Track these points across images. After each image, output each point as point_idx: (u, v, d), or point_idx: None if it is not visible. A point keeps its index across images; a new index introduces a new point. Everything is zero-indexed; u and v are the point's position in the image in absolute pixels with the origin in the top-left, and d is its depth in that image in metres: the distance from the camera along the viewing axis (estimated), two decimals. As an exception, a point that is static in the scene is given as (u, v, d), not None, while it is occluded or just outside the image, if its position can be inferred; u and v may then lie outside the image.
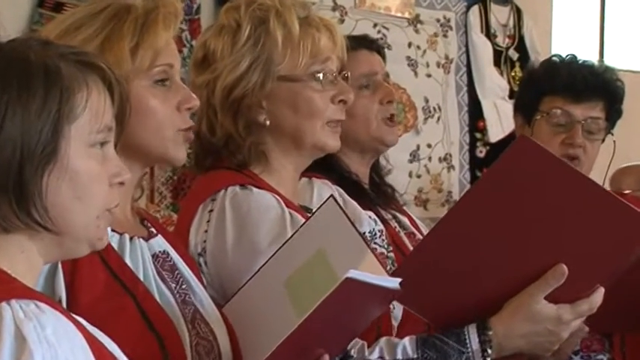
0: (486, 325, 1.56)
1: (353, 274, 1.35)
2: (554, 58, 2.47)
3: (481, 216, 1.49)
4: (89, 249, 1.26)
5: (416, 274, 1.51)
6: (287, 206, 1.76)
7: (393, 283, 1.45)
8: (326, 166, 2.09)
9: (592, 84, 2.37)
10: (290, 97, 1.79)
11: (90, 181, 1.22)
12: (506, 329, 1.55)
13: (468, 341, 1.56)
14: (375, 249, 2.04)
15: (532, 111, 2.41)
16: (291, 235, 1.61)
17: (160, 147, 1.54)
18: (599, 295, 1.56)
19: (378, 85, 2.23)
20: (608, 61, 2.54)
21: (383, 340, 1.66)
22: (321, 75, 1.79)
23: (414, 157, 5.03)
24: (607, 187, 3.33)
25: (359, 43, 2.27)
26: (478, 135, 5.26)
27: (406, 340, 1.60)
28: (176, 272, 1.58)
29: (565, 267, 1.51)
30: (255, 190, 1.76)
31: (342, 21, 4.66)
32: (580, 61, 2.44)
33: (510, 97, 5.24)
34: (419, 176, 5.04)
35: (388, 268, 1.83)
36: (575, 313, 1.56)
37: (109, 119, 1.25)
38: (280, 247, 1.60)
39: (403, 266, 1.60)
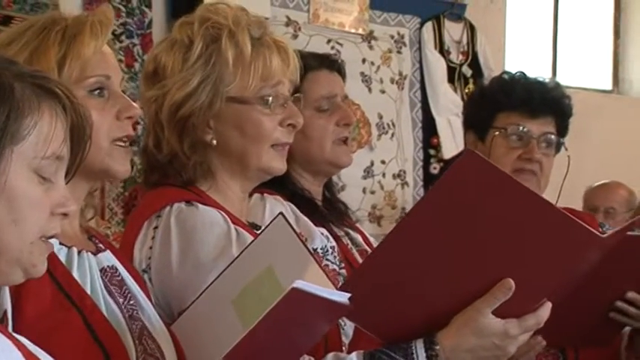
0: (433, 339, 1.56)
1: (300, 284, 1.35)
2: (504, 75, 2.50)
3: (428, 231, 1.50)
4: (23, 276, 1.24)
5: (363, 289, 1.52)
6: (233, 223, 1.76)
7: (342, 297, 1.45)
8: (279, 183, 2.09)
9: (546, 100, 2.40)
10: (238, 118, 1.79)
11: (28, 206, 1.20)
12: (453, 344, 1.56)
13: (415, 356, 1.56)
14: (327, 265, 2.05)
15: (486, 127, 2.43)
16: (240, 253, 1.60)
17: (97, 159, 1.52)
18: (546, 310, 1.58)
19: (337, 107, 2.24)
20: (561, 79, 2.58)
21: (330, 355, 1.66)
22: (270, 98, 1.78)
23: (368, 173, 5.04)
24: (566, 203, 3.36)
25: (320, 62, 2.27)
26: (432, 151, 5.29)
27: (353, 355, 1.61)
28: (124, 288, 1.58)
29: (512, 281, 1.52)
30: (200, 206, 1.75)
31: (295, 36, 4.67)
32: (530, 78, 2.47)
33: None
34: (373, 192, 5.05)
35: (340, 284, 1.83)
36: (522, 328, 1.57)
37: (58, 147, 1.23)
38: (229, 265, 1.59)
39: (350, 281, 1.61)
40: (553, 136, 2.42)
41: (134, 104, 1.56)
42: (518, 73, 2.48)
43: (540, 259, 1.50)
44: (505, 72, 2.52)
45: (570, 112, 2.47)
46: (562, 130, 2.46)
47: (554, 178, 2.48)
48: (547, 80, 2.49)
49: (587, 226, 1.47)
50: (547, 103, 2.40)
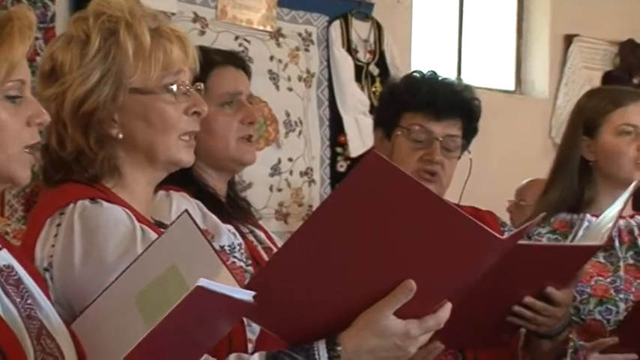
0: (335, 340, 1.56)
1: (204, 282, 1.35)
2: (415, 74, 2.52)
3: (332, 231, 1.50)
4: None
5: (268, 288, 1.51)
6: (139, 221, 1.74)
7: (246, 295, 1.45)
8: (184, 180, 2.07)
9: (452, 102, 2.42)
10: (142, 110, 1.77)
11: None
12: (355, 345, 1.56)
13: (317, 357, 1.56)
14: (234, 263, 2.04)
15: (392, 126, 2.45)
16: (144, 250, 1.59)
17: (5, 165, 1.50)
18: (446, 311, 1.59)
19: (241, 104, 2.23)
20: (465, 79, 2.61)
21: (233, 356, 1.65)
22: (174, 87, 1.77)
23: (275, 170, 5.04)
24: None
25: (226, 59, 2.26)
26: (339, 149, 5.32)
27: (256, 356, 1.60)
28: (21, 287, 1.54)
29: (413, 282, 1.53)
30: (105, 204, 1.73)
31: (202, 33, 4.64)
32: (440, 79, 2.49)
33: (371, 112, 5.32)
34: (280, 190, 5.05)
35: (246, 282, 1.83)
36: (423, 329, 1.58)
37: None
38: (132, 262, 1.57)
39: (255, 280, 1.60)
40: (457, 139, 2.44)
41: (44, 110, 1.54)
42: (429, 73, 2.50)
43: (441, 261, 1.52)
44: (416, 71, 2.53)
45: (479, 115, 2.50)
46: (469, 131, 2.49)
47: (458, 177, 2.52)
48: (456, 82, 2.52)
49: (487, 228, 1.49)
50: (453, 104, 2.43)
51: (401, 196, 1.47)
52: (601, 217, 2.37)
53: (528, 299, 2.22)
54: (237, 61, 2.30)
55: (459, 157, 2.50)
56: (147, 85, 1.76)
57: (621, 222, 2.58)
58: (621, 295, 2.48)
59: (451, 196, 2.41)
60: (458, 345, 2.33)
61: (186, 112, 1.80)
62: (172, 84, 1.77)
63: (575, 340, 2.31)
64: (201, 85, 1.86)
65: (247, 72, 2.31)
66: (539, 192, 4.64)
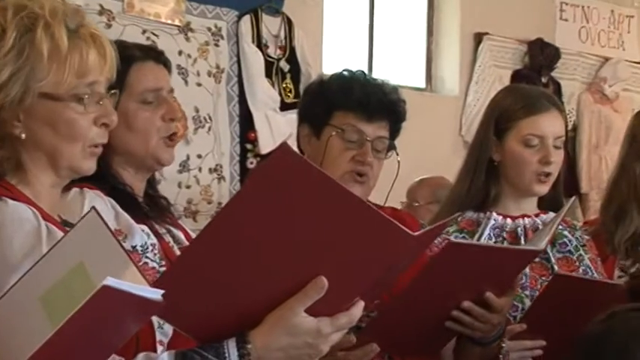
0: (246, 338, 1.57)
1: (110, 282, 1.33)
2: (344, 72, 2.53)
3: (242, 226, 1.50)
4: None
5: (177, 287, 1.51)
6: (44, 219, 1.71)
7: (155, 294, 1.44)
8: (99, 177, 2.05)
9: (383, 104, 2.44)
10: (50, 116, 1.73)
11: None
12: (266, 342, 1.57)
13: (226, 355, 1.56)
14: (147, 263, 2.02)
15: (321, 124, 2.45)
16: (50, 249, 1.57)
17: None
18: (358, 309, 1.60)
19: (162, 100, 2.20)
20: (377, 76, 2.63)
21: (141, 355, 1.64)
22: (85, 97, 1.74)
23: (184, 167, 5.02)
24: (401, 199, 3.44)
25: (147, 54, 2.23)
26: (249, 146, 5.32)
27: (165, 355, 1.60)
28: None
29: (325, 279, 1.53)
30: (10, 202, 1.70)
31: (109, 26, 4.59)
32: (371, 79, 2.51)
33: (282, 108, 5.33)
34: (188, 187, 5.03)
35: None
36: (335, 327, 1.59)
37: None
38: (38, 261, 1.55)
39: (164, 278, 1.60)
40: (385, 140, 2.47)
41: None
42: (358, 72, 2.51)
43: (353, 257, 1.52)
44: (345, 69, 2.54)
45: (404, 117, 2.53)
46: (394, 133, 2.52)
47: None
48: (385, 83, 2.54)
49: (399, 224, 1.51)
50: (383, 106, 2.45)
51: (312, 191, 1.47)
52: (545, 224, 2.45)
53: (467, 304, 2.25)
54: (158, 56, 2.27)
55: (385, 159, 2.53)
56: (58, 90, 1.72)
57: (526, 220, 2.63)
58: (527, 292, 2.53)
59: (372, 197, 2.44)
60: (395, 350, 2.36)
61: (96, 122, 1.77)
62: (84, 93, 1.74)
63: (505, 345, 2.36)
64: (116, 92, 1.84)
65: (168, 67, 2.28)
66: (430, 192, 4.73)
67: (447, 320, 2.28)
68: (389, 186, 2.57)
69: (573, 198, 2.54)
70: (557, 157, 2.60)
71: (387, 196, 2.55)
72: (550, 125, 2.60)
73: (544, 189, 2.61)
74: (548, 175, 2.59)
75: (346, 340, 2.06)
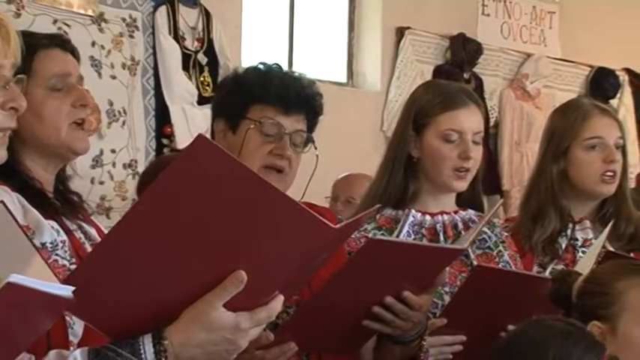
0: (162, 334, 1.55)
1: (16, 278, 1.31)
2: (260, 66, 2.52)
3: (157, 220, 1.49)
4: None
5: (89, 282, 1.49)
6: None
7: (64, 290, 1.42)
8: (7, 172, 2.01)
9: (301, 97, 2.44)
10: None
11: None
12: (183, 338, 1.55)
13: (142, 352, 1.55)
14: (57, 261, 1.99)
15: (238, 118, 2.44)
16: (-46, 244, 1.53)
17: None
18: (278, 303, 1.60)
19: (71, 87, 2.16)
20: (297, 70, 2.63)
21: (52, 353, 1.62)
22: None
23: (97, 162, 4.96)
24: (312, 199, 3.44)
25: (52, 41, 2.20)
26: (165, 141, 5.28)
27: (77, 352, 1.57)
28: None
29: (244, 273, 1.53)
30: None
31: (18, 15, 4.52)
32: (288, 72, 2.51)
33: (199, 102, 5.30)
34: (102, 183, 4.98)
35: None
36: (254, 321, 1.59)
37: None
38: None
39: (75, 274, 1.57)
40: (303, 133, 2.47)
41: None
42: (274, 65, 2.51)
43: (272, 250, 1.52)
44: (262, 63, 2.54)
45: (321, 111, 2.53)
46: (311, 127, 2.52)
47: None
48: (302, 76, 2.54)
49: (318, 216, 1.51)
50: (301, 99, 2.45)
51: (230, 183, 1.46)
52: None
53: (389, 299, 2.26)
54: (64, 43, 2.23)
55: (303, 152, 2.52)
56: None
57: (445, 217, 2.65)
58: (446, 289, 2.55)
59: (291, 192, 2.43)
60: (313, 348, 2.36)
61: (3, 106, 1.73)
62: None
63: (426, 343, 2.38)
64: (24, 77, 1.80)
65: (76, 56, 2.25)
66: (358, 187, 4.77)
67: (368, 318, 2.29)
68: (309, 181, 2.57)
69: (501, 201, 2.57)
70: (476, 153, 2.63)
71: (305, 191, 2.55)
72: (468, 120, 2.63)
73: (462, 185, 2.63)
74: (466, 170, 2.61)
75: (264, 337, 2.06)
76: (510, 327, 2.39)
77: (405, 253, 2.22)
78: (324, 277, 2.14)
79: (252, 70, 2.52)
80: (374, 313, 2.28)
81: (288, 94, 2.42)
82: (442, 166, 2.61)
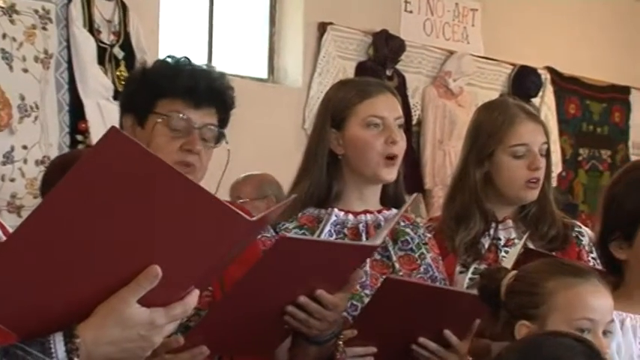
0: (74, 332, 1.53)
1: None
2: (168, 59, 2.50)
3: (68, 214, 1.46)
4: None
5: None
6: None
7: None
8: None
9: (211, 90, 2.43)
10: None
11: None
12: (95, 336, 1.53)
13: (53, 350, 1.52)
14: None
15: (146, 113, 2.42)
16: None
17: None
18: (193, 298, 1.59)
19: None
20: (217, 65, 2.63)
21: (-47, 352, 1.59)
22: None
23: (8, 159, 4.90)
24: (222, 197, 3.42)
25: None
26: (79, 137, 5.22)
27: (-18, 352, 1.55)
28: None
29: (158, 268, 1.51)
30: None
31: None
32: (197, 65, 2.49)
33: (115, 97, 5.25)
34: (12, 180, 4.91)
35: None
36: (169, 317, 1.57)
37: None
38: None
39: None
40: (214, 128, 2.45)
41: None
42: (183, 59, 2.49)
43: (187, 244, 1.51)
44: (169, 56, 2.52)
45: (233, 104, 2.51)
46: (223, 121, 2.51)
47: (209, 170, 2.52)
48: (212, 69, 2.52)
49: (234, 208, 1.50)
50: (212, 93, 2.43)
51: (143, 176, 1.45)
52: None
53: (303, 299, 2.26)
54: None
55: (214, 148, 2.51)
56: None
57: (369, 217, 2.66)
58: (367, 291, 2.55)
59: (205, 187, 2.41)
60: (226, 350, 2.34)
61: None
62: None
63: (342, 343, 2.38)
64: None
65: None
66: (253, 188, 4.78)
67: (282, 318, 2.28)
68: (226, 180, 2.56)
69: (415, 194, 2.58)
70: (402, 138, 2.64)
71: (217, 188, 2.54)
72: (387, 106, 2.64)
73: (392, 173, 2.63)
74: (394, 158, 2.62)
75: (174, 341, 2.05)
76: (422, 339, 2.42)
77: (317, 250, 2.22)
78: (237, 276, 2.14)
79: (160, 64, 2.50)
80: (288, 312, 2.28)
81: (197, 87, 2.40)
82: (369, 155, 2.60)
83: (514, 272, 2.29)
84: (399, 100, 2.72)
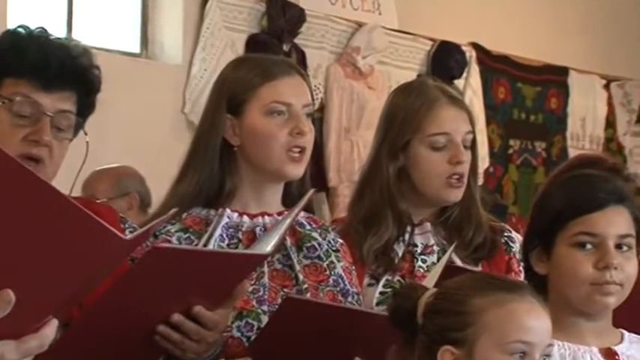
0: None
1: None
2: (19, 29, 2.47)
3: None
4: None
5: None
6: None
7: None
8: None
9: (67, 70, 2.40)
10: None
11: None
12: None
13: None
14: None
15: None
16: None
17: None
18: (51, 329, 1.58)
19: None
20: (77, 37, 2.59)
21: None
22: None
23: None
24: (79, 193, 3.40)
25: None
26: None
27: None
28: None
29: (11, 293, 1.50)
30: None
31: None
32: (53, 39, 2.46)
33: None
34: None
35: None
36: (22, 352, 1.56)
37: None
38: None
39: None
40: (71, 115, 2.43)
41: None
42: (38, 30, 2.45)
43: (49, 265, 1.49)
44: (21, 26, 2.48)
45: (98, 87, 2.49)
46: (86, 107, 2.48)
47: (66, 162, 2.49)
48: (74, 43, 2.49)
49: (107, 225, 1.49)
50: (68, 72, 2.41)
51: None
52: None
53: (177, 317, 2.25)
54: None
55: (72, 139, 2.48)
56: None
57: (267, 219, 2.66)
58: (265, 307, 2.55)
59: (59, 185, 2.38)
60: None
61: None
62: None
63: None
64: None
65: None
66: (110, 184, 4.75)
67: (153, 338, 2.28)
68: (94, 166, 2.54)
69: (311, 191, 2.58)
70: (310, 129, 2.64)
71: (73, 185, 2.52)
72: (295, 91, 2.65)
73: (298, 169, 2.63)
74: (302, 151, 2.62)
75: None
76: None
77: (196, 261, 2.23)
78: (99, 290, 2.12)
79: (8, 36, 2.47)
80: (159, 333, 2.27)
81: (48, 65, 2.38)
82: (271, 148, 2.60)
83: (434, 289, 2.29)
84: (309, 83, 2.73)
